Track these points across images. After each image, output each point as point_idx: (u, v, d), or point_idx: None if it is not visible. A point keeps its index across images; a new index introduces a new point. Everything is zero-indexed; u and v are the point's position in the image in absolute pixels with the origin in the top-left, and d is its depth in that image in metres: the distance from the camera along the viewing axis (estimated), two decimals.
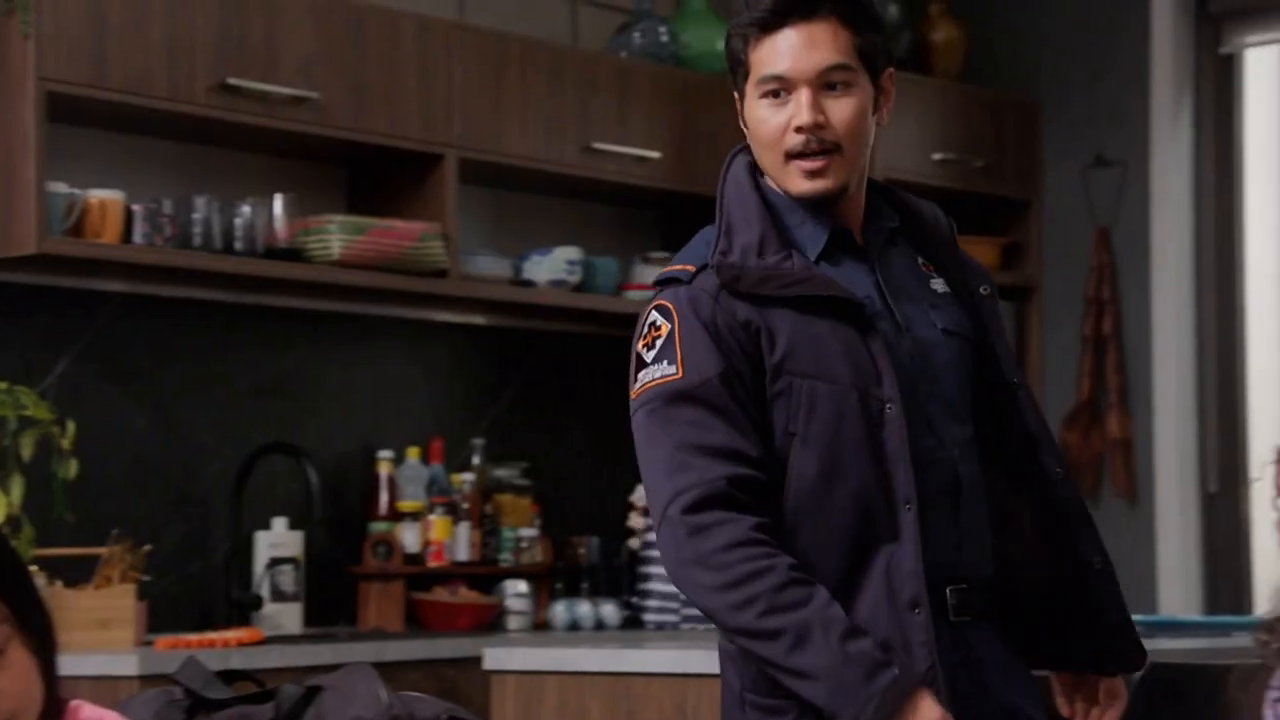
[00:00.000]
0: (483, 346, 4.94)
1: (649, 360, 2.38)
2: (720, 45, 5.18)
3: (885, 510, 2.32)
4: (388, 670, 4.04)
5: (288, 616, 4.34)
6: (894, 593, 2.30)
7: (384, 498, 4.57)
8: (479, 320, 4.90)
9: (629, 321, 5.03)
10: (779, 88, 2.39)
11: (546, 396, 5.05)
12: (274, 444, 4.41)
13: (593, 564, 4.90)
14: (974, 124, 5.36)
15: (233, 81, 4.12)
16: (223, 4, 4.13)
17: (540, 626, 4.74)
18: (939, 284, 2.49)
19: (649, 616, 4.85)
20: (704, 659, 3.30)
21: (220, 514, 4.39)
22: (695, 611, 4.88)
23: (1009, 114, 5.44)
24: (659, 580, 4.81)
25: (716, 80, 5.10)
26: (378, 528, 4.55)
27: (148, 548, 3.93)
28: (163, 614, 4.09)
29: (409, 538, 4.56)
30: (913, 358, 2.41)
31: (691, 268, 2.42)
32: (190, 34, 4.07)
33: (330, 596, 4.52)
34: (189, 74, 4.07)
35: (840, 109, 2.39)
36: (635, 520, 4.91)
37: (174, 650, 3.66)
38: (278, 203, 4.27)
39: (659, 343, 2.37)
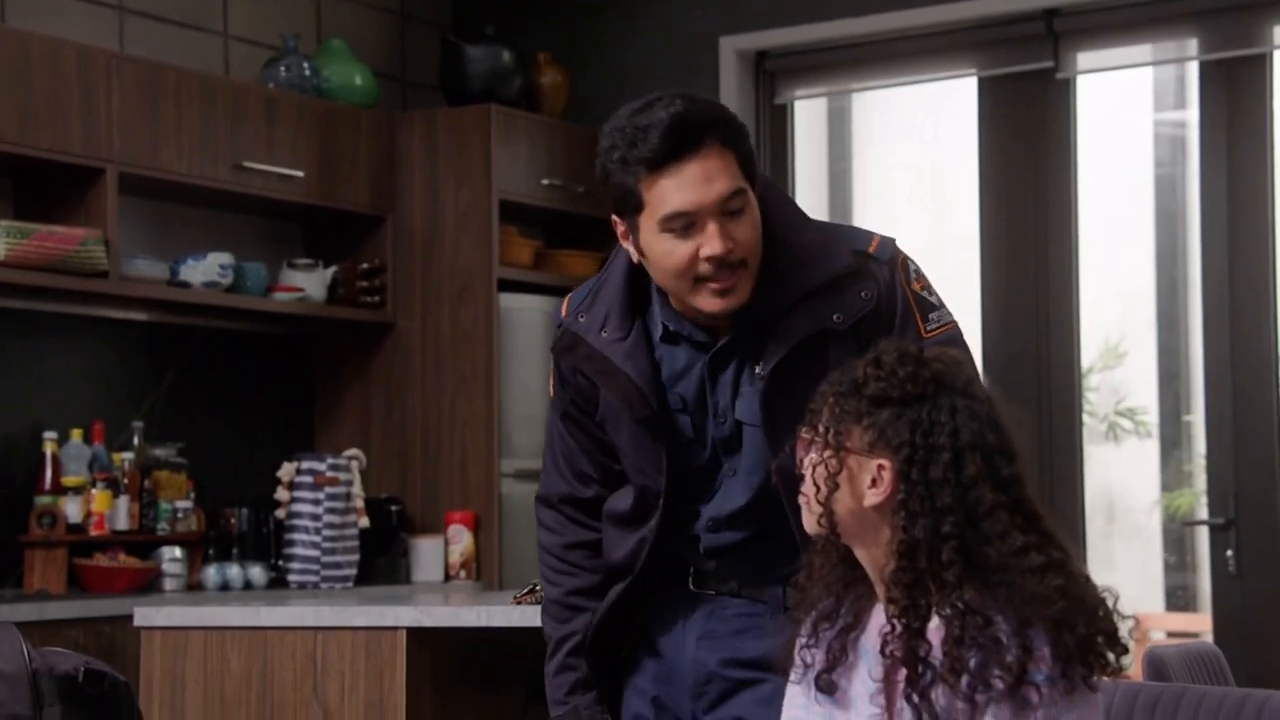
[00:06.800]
0: (143, 340, 4.73)
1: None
2: (358, 80, 5.11)
3: (634, 543, 2.33)
4: (49, 627, 3.85)
5: None
6: None
7: (48, 473, 4.34)
8: (139, 316, 4.68)
9: (276, 319, 4.98)
10: (685, 222, 2.15)
11: (201, 384, 4.87)
12: None
13: (243, 532, 4.75)
14: (576, 155, 5.34)
15: None
16: None
17: (194, 588, 4.57)
18: (763, 368, 2.22)
19: (292, 577, 4.75)
20: (333, 613, 3.20)
21: None
22: (334, 572, 4.80)
23: None
24: (302, 546, 4.72)
25: (352, 110, 5.02)
26: (42, 500, 4.32)
27: None
28: None
29: (72, 509, 4.34)
30: (714, 452, 2.27)
31: (564, 312, 2.34)
32: None
33: None
34: None
35: (743, 230, 2.16)
36: (282, 494, 4.78)
37: None
38: None
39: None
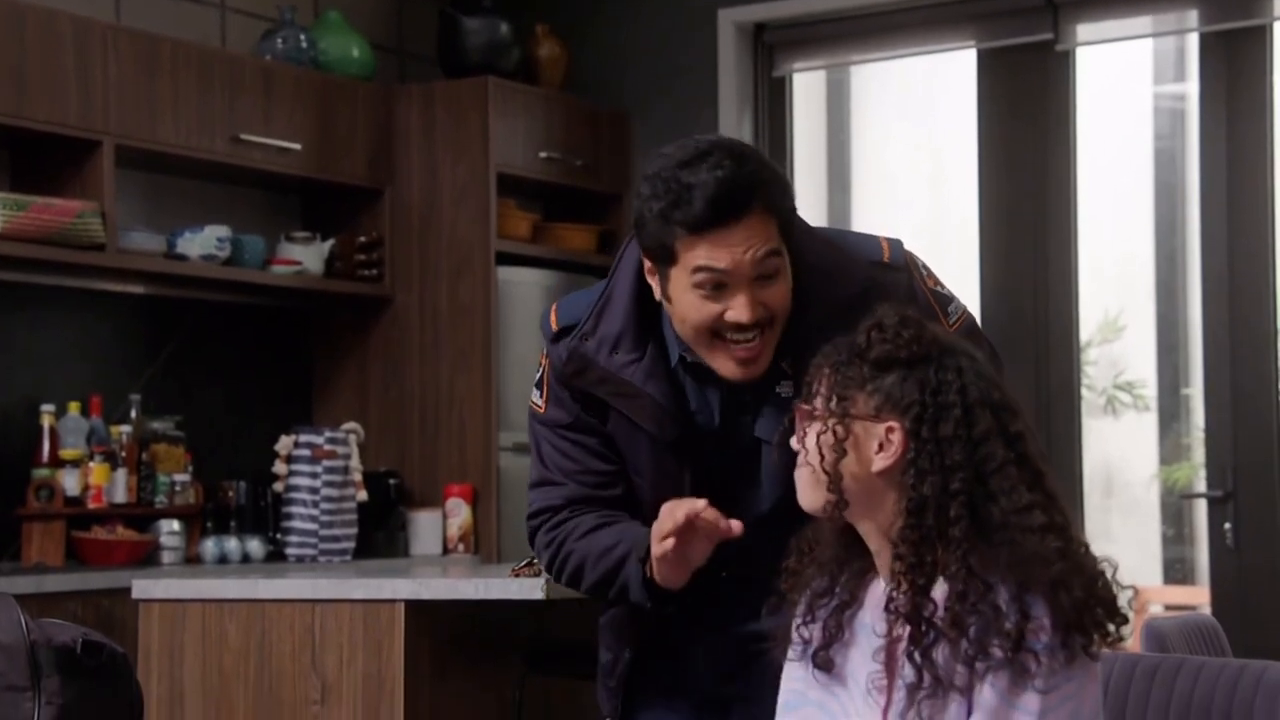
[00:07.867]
0: (140, 313, 4.72)
1: (533, 384, 2.34)
2: (355, 52, 5.09)
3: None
4: (47, 600, 3.85)
5: None
6: None
7: (46, 446, 4.33)
8: (137, 289, 4.68)
9: (273, 292, 4.97)
10: (717, 281, 2.11)
11: (199, 357, 4.86)
12: None
13: (240, 505, 4.75)
14: (574, 128, 5.32)
15: None
16: None
17: (192, 561, 4.56)
18: (786, 388, 2.20)
19: (290, 550, 4.74)
20: (331, 586, 3.20)
21: None
22: (332, 545, 4.79)
23: (603, 121, 5.41)
24: (300, 519, 4.71)
25: (349, 83, 5.00)
26: (40, 473, 4.32)
27: None
28: None
29: (70, 482, 4.34)
30: (734, 465, 2.24)
31: (555, 326, 2.27)
32: None
33: None
34: None
35: (774, 292, 2.13)
36: (279, 467, 4.77)
37: None
38: None
39: (538, 374, 2.33)
